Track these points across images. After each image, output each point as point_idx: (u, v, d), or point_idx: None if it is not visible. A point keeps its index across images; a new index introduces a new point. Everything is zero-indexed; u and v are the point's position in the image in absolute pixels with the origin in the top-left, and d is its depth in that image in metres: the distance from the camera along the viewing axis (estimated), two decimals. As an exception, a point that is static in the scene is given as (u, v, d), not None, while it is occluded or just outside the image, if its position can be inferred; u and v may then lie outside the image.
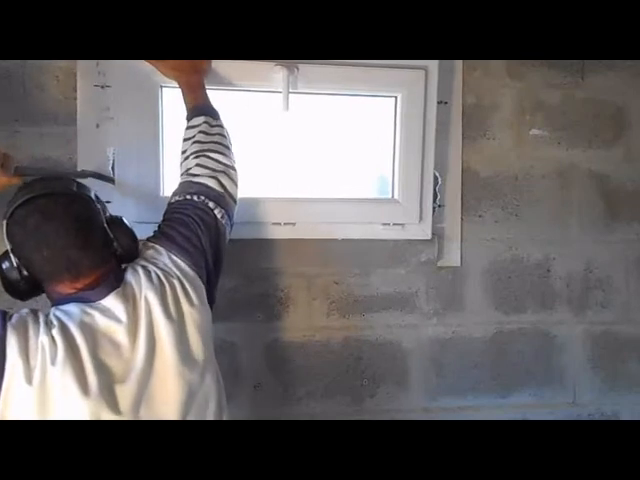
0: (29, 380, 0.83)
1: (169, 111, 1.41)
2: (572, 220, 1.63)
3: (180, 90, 1.27)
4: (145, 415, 0.91)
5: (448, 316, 1.58)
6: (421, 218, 1.50)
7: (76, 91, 1.36)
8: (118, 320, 0.92)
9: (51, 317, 0.90)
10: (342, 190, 1.53)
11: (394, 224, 1.50)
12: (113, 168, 1.37)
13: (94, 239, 0.96)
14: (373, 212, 1.50)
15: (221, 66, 1.37)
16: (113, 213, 1.06)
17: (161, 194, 1.38)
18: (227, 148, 1.20)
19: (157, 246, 1.04)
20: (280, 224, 1.45)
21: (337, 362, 1.53)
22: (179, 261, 1.03)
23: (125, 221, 1.04)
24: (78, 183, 1.00)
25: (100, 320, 0.91)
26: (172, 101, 1.41)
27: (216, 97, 1.43)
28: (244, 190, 1.45)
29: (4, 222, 0.93)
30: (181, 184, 1.15)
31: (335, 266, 1.51)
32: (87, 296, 0.93)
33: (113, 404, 0.88)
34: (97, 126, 1.37)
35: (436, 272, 1.56)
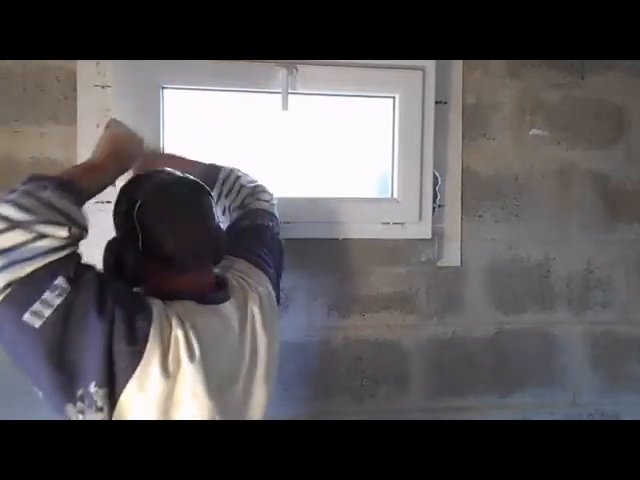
0: (166, 371, 0.82)
1: (169, 111, 1.41)
2: (572, 220, 1.63)
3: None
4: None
5: (448, 316, 1.58)
6: (421, 217, 1.51)
7: (76, 91, 1.37)
8: (233, 328, 0.94)
9: (179, 311, 0.87)
10: (342, 190, 1.53)
11: (394, 223, 1.50)
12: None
13: (213, 233, 0.96)
14: (373, 211, 1.50)
15: (221, 66, 1.37)
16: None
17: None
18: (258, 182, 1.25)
19: (249, 263, 1.07)
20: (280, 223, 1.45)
21: (337, 362, 1.53)
22: (267, 281, 1.07)
23: (221, 224, 1.05)
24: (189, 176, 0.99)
25: (218, 324, 0.92)
26: (172, 102, 1.41)
27: (216, 97, 1.44)
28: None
29: (137, 205, 0.89)
30: (247, 212, 1.17)
31: (335, 266, 1.51)
32: (207, 297, 0.92)
33: (225, 407, 0.90)
34: (97, 126, 1.37)
35: (436, 272, 1.56)
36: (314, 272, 1.50)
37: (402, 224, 1.51)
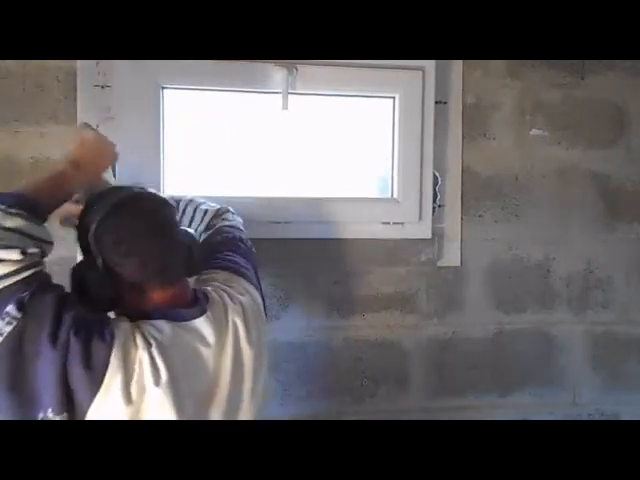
0: (128, 397, 0.80)
1: (169, 111, 1.41)
2: (572, 220, 1.63)
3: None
4: None
5: (448, 316, 1.58)
6: (421, 217, 1.51)
7: (76, 91, 1.37)
8: (207, 343, 0.90)
9: (145, 333, 0.85)
10: (342, 190, 1.53)
11: (394, 223, 1.51)
12: (113, 168, 1.37)
13: (180, 244, 0.92)
14: (373, 211, 1.50)
15: (221, 66, 1.37)
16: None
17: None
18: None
19: (229, 272, 1.03)
20: (280, 223, 1.45)
21: (337, 362, 1.53)
22: (251, 288, 1.03)
23: (192, 231, 1.02)
24: (149, 190, 0.95)
25: (191, 342, 0.88)
26: (172, 102, 1.41)
27: (216, 97, 1.44)
28: (244, 189, 1.46)
29: (92, 228, 0.85)
30: (218, 228, 1.15)
31: (335, 266, 1.51)
32: (179, 314, 0.89)
33: None
34: (97, 126, 1.37)
35: (436, 272, 1.56)
36: (314, 272, 1.50)
37: (402, 224, 1.51)
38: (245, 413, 0.95)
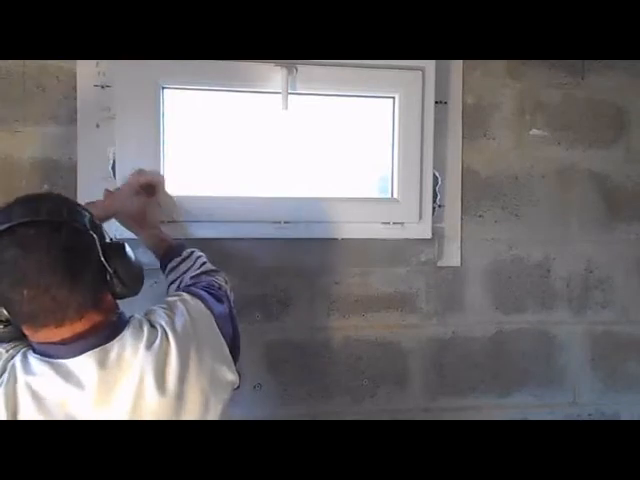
0: None
1: (170, 111, 1.41)
2: (572, 220, 1.63)
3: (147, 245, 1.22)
4: None
5: (448, 316, 1.58)
6: (421, 217, 1.51)
7: (76, 91, 1.36)
8: (80, 387, 0.80)
9: (15, 365, 0.80)
10: (342, 189, 1.53)
11: (394, 223, 1.50)
12: (113, 168, 1.37)
13: (85, 275, 0.80)
14: (373, 211, 1.50)
15: (221, 66, 1.37)
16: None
17: (161, 194, 1.38)
18: (214, 271, 1.16)
19: (188, 295, 0.96)
20: (280, 223, 1.45)
21: (337, 362, 1.53)
22: (208, 311, 0.95)
23: (127, 249, 0.89)
24: (69, 206, 0.83)
25: (56, 386, 0.79)
26: (173, 101, 1.41)
27: (216, 97, 1.44)
28: (244, 189, 1.46)
29: None
30: (194, 276, 1.10)
31: (335, 266, 1.51)
32: (56, 351, 0.80)
33: None
34: (97, 126, 1.37)
35: (436, 272, 1.56)
36: (314, 272, 1.50)
37: (402, 224, 1.51)
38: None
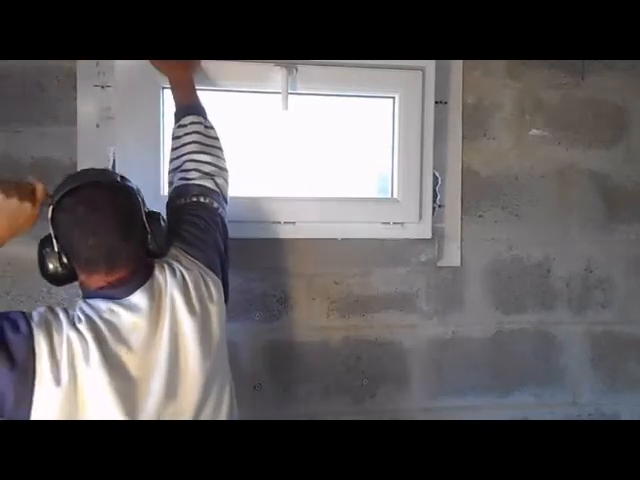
0: (57, 381, 0.83)
1: (169, 111, 1.41)
2: (572, 220, 1.63)
3: (170, 87, 1.28)
4: (168, 412, 0.92)
5: (448, 316, 1.58)
6: (421, 217, 1.51)
7: (76, 91, 1.37)
8: (143, 315, 0.93)
9: (77, 311, 0.90)
10: (342, 190, 1.53)
11: (394, 223, 1.50)
12: (113, 168, 1.37)
13: (135, 231, 0.95)
14: (373, 211, 1.50)
15: (221, 66, 1.37)
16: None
17: (161, 193, 1.38)
18: (220, 150, 1.22)
19: (177, 247, 1.05)
20: (280, 223, 1.45)
21: (337, 362, 1.53)
22: (197, 261, 1.04)
23: (162, 218, 1.03)
24: (121, 175, 0.99)
25: (125, 317, 0.91)
26: (173, 102, 1.41)
27: (216, 97, 1.43)
28: (244, 189, 1.45)
29: (50, 209, 0.91)
30: (180, 187, 1.15)
31: (335, 266, 1.51)
32: (115, 293, 0.93)
33: (142, 402, 0.89)
34: (97, 126, 1.37)
35: (436, 272, 1.56)
36: (314, 272, 1.50)
37: (402, 224, 1.51)
38: (192, 377, 0.95)
